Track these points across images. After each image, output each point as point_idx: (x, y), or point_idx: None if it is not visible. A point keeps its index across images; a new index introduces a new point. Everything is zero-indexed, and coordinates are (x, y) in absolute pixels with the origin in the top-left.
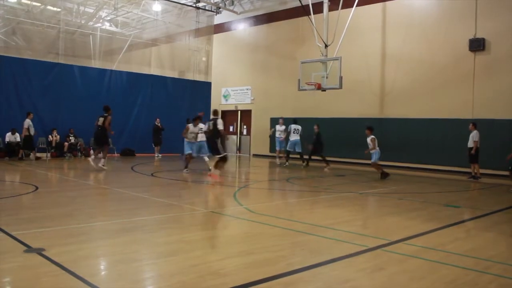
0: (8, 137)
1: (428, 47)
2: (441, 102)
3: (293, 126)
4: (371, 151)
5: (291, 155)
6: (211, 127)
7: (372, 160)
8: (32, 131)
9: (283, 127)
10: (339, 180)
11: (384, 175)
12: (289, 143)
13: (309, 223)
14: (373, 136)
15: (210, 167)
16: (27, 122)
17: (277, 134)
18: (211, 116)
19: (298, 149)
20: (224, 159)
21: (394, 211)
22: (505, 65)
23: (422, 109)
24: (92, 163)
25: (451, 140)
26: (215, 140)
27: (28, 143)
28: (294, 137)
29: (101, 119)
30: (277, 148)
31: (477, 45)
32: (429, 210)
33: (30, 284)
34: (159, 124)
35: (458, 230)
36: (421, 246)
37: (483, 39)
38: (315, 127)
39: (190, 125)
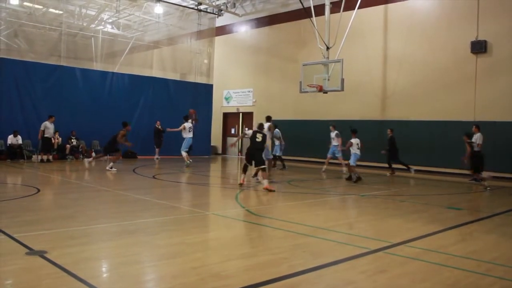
0: (10, 139)
1: (429, 49)
2: (443, 104)
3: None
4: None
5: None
6: (260, 139)
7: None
8: (48, 133)
9: (335, 132)
10: (341, 182)
11: (357, 179)
12: (277, 147)
13: (310, 225)
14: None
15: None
16: (43, 124)
17: (334, 142)
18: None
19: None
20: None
21: (396, 213)
22: (507, 67)
23: (424, 111)
24: (86, 164)
25: (453, 142)
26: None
27: (45, 145)
28: (278, 142)
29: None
30: (329, 155)
31: (479, 47)
32: (430, 212)
33: (31, 286)
34: (159, 127)
35: (459, 232)
36: (422, 248)
37: (485, 41)
38: (388, 131)
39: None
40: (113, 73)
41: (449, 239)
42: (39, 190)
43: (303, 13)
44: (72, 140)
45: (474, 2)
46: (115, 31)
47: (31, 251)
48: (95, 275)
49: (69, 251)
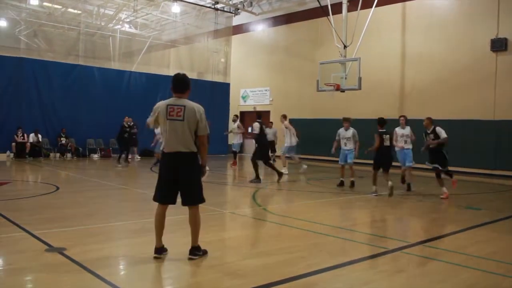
0: (32, 137)
1: (448, 47)
2: (462, 103)
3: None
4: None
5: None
6: None
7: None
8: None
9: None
10: (358, 182)
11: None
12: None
13: (328, 224)
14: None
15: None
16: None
17: (407, 145)
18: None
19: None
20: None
21: (414, 213)
22: None
23: (443, 110)
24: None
25: (472, 141)
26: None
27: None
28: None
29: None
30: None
31: (499, 45)
32: (449, 212)
33: (51, 282)
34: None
35: (479, 233)
36: (441, 248)
37: (505, 39)
38: None
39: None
40: (130, 72)
41: (468, 239)
42: (58, 188)
43: (320, 12)
44: (62, 139)
45: None
46: (133, 30)
47: (50, 248)
48: (114, 273)
49: (88, 248)
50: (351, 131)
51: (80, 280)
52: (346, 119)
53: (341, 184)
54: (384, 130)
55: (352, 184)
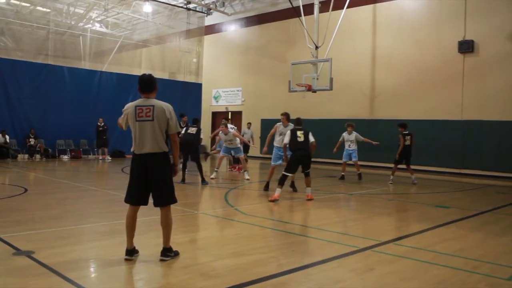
0: None
1: (418, 48)
2: (430, 104)
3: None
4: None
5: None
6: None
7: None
8: None
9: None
10: (329, 181)
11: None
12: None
13: (299, 224)
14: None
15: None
16: None
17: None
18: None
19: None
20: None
21: (384, 211)
22: (494, 66)
23: (412, 110)
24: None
25: (440, 141)
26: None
27: None
28: None
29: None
30: None
31: (466, 47)
32: (419, 211)
33: (19, 287)
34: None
35: (447, 230)
36: (411, 246)
37: (472, 41)
38: None
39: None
40: (101, 72)
41: (437, 237)
42: (26, 190)
43: (292, 12)
44: (30, 139)
45: (462, 2)
46: (104, 29)
47: (18, 252)
48: (84, 275)
49: (57, 251)
50: (354, 134)
51: (50, 283)
52: (349, 125)
53: (342, 177)
54: (407, 132)
55: (360, 176)
